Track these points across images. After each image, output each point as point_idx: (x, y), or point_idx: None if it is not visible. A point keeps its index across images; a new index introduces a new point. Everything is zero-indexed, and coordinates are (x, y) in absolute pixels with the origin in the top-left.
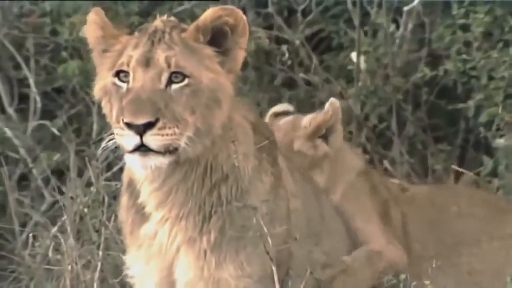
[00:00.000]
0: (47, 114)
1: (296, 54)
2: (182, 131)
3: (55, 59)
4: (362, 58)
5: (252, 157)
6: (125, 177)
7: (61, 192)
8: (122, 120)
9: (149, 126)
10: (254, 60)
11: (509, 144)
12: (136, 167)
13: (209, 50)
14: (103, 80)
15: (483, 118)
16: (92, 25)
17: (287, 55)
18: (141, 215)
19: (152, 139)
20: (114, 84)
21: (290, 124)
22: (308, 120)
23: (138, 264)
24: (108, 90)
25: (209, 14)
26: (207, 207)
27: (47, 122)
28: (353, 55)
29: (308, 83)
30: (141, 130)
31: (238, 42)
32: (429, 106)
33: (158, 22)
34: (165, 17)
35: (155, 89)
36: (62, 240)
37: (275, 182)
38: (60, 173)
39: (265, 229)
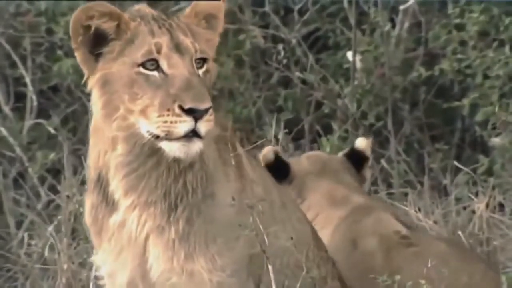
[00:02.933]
0: (43, 112)
1: (292, 53)
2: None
3: (51, 57)
4: (357, 57)
5: (213, 145)
6: (93, 173)
7: (57, 191)
8: (180, 106)
9: (205, 111)
10: (250, 59)
11: (504, 143)
12: (180, 154)
13: (209, 35)
14: (104, 70)
15: (478, 117)
16: (103, 17)
17: (283, 54)
18: (110, 207)
19: (204, 124)
20: (140, 73)
21: None
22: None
23: (110, 258)
24: (116, 79)
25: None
26: (172, 194)
27: (43, 121)
28: (349, 54)
29: (304, 82)
30: (200, 115)
31: (219, 28)
32: (426, 105)
33: (144, 8)
34: (144, 4)
35: (196, 75)
36: (58, 239)
37: (237, 171)
38: (56, 172)
39: (261, 227)
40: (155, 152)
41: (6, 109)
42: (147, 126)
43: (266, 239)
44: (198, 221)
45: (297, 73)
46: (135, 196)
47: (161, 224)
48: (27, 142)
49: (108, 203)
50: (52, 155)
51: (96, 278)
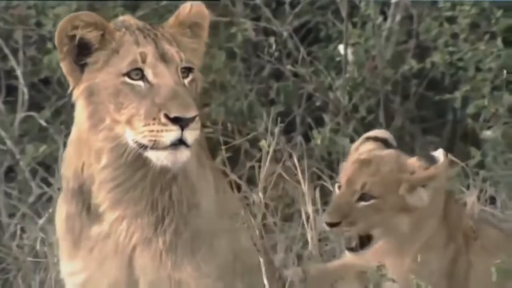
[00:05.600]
0: (34, 105)
1: (284, 46)
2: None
3: (42, 50)
4: (349, 50)
5: (193, 154)
6: (72, 183)
7: (49, 184)
8: (166, 115)
9: (192, 120)
10: (241, 52)
11: (496, 136)
12: (168, 163)
13: (194, 44)
14: (89, 81)
15: (470, 109)
16: (88, 27)
17: (274, 46)
18: (93, 217)
19: (191, 133)
20: (125, 83)
21: (395, 162)
22: (415, 165)
23: (90, 267)
24: (101, 90)
25: (189, 8)
26: (159, 207)
27: (34, 114)
28: (341, 47)
29: (295, 74)
30: (186, 124)
31: (204, 37)
32: (417, 97)
33: (129, 18)
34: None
35: (181, 84)
36: (49, 232)
37: (216, 176)
38: (47, 164)
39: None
40: (142, 164)
41: None
42: (133, 136)
43: (257, 232)
44: (186, 232)
45: (289, 66)
46: (121, 208)
47: (148, 236)
48: (18, 134)
49: (90, 213)
50: (43, 148)
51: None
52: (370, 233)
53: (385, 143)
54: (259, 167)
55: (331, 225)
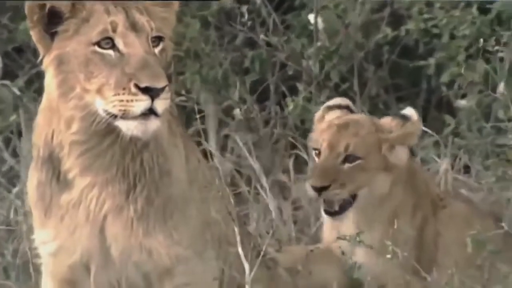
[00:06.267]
0: (8, 74)
1: (257, 14)
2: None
3: (16, 18)
4: (320, 18)
5: (164, 122)
6: (42, 151)
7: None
8: (136, 85)
9: (162, 90)
10: (215, 20)
11: (471, 105)
12: (138, 132)
13: (165, 13)
14: (59, 50)
15: (444, 77)
16: None
17: (247, 15)
18: (62, 185)
19: (161, 103)
20: (95, 52)
21: (371, 123)
22: (392, 124)
23: (61, 236)
24: (72, 58)
25: None
26: (131, 174)
27: (7, 82)
28: (311, 17)
29: (269, 43)
30: (157, 94)
31: (174, 6)
32: (391, 66)
33: None
34: None
35: (152, 53)
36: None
37: (188, 145)
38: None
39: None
40: (112, 131)
41: None
42: (104, 105)
43: (232, 201)
44: (157, 200)
45: (262, 35)
46: (92, 175)
47: (120, 204)
48: None
49: (59, 181)
50: (13, 117)
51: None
52: (356, 194)
53: (348, 110)
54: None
55: (320, 189)
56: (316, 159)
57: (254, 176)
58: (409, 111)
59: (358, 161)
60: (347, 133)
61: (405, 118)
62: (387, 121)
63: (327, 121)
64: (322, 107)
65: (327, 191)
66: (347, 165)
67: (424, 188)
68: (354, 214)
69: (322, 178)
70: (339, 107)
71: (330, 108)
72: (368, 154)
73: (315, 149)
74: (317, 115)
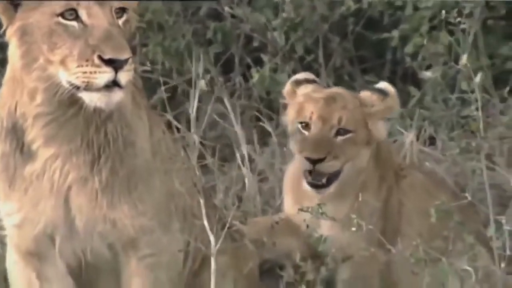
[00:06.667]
0: None
1: None
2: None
3: None
4: None
5: (128, 94)
6: (5, 122)
7: None
8: (99, 57)
9: (125, 61)
10: None
11: (436, 76)
12: (101, 104)
13: None
14: (23, 20)
15: (408, 49)
16: None
17: None
18: (26, 156)
19: (125, 74)
20: (59, 23)
21: (354, 97)
22: (373, 98)
23: (25, 208)
24: (35, 29)
25: None
26: (95, 145)
27: None
28: None
29: (233, 15)
30: (120, 65)
31: None
32: (356, 37)
33: None
34: None
35: (116, 25)
36: None
37: (152, 117)
38: None
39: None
40: (75, 102)
41: None
42: (67, 77)
43: (197, 171)
44: (122, 171)
45: (226, 8)
46: (56, 146)
47: (84, 175)
48: None
49: (23, 152)
50: None
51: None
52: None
53: (316, 84)
54: (198, 107)
55: (316, 161)
56: (305, 132)
57: (218, 147)
58: (384, 85)
59: (349, 135)
60: (337, 106)
61: (383, 92)
62: (367, 95)
63: (304, 94)
64: (290, 81)
65: (322, 163)
66: (339, 138)
67: (389, 159)
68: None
69: (318, 150)
70: (307, 81)
71: (299, 82)
72: (357, 128)
73: (301, 122)
74: (287, 89)
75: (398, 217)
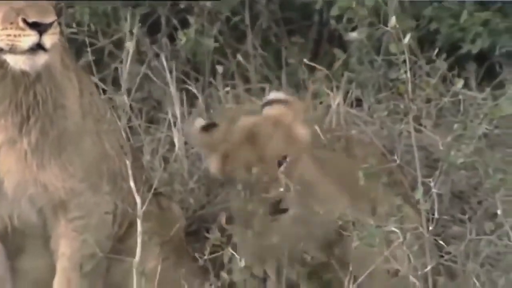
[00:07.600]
0: None
1: None
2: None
3: None
4: None
5: (57, 56)
6: None
7: None
8: (23, 20)
9: (50, 25)
10: None
11: (362, 38)
12: (26, 67)
13: None
14: None
15: (333, 11)
16: None
17: None
18: None
19: (49, 38)
20: None
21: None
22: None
23: None
24: None
25: None
26: (24, 107)
27: None
28: None
29: None
30: (45, 29)
31: None
32: None
33: None
34: None
35: None
36: None
37: (81, 78)
38: None
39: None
40: (2, 64)
41: None
42: None
43: (124, 134)
44: (52, 132)
45: None
46: None
47: (13, 137)
48: None
49: None
50: None
51: None
52: None
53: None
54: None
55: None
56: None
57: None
58: (274, 95)
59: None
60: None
61: (281, 102)
62: (271, 111)
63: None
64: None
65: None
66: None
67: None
68: None
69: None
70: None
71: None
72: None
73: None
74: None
75: None
